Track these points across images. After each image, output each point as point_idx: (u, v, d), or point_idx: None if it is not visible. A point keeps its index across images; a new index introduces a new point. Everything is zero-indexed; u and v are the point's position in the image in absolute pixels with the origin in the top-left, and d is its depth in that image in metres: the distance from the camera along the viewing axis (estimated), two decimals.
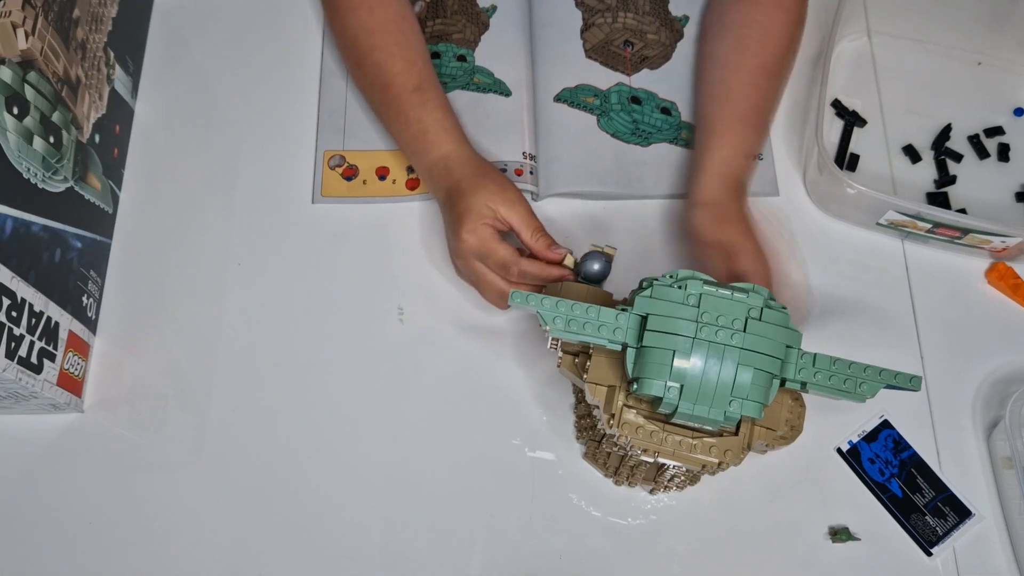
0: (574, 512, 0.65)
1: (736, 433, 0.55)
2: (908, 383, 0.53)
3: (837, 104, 0.80)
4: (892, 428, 0.68)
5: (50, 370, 0.62)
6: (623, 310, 0.53)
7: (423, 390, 0.69)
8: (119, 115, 0.75)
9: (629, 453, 0.57)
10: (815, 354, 0.53)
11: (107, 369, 0.69)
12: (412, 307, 0.71)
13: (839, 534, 0.65)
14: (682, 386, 0.51)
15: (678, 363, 0.51)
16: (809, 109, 0.77)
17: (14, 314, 0.56)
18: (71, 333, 0.65)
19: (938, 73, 0.82)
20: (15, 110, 0.58)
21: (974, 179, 0.78)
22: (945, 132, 0.79)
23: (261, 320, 0.70)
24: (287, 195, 0.75)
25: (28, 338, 0.58)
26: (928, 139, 0.79)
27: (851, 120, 0.79)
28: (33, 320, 0.59)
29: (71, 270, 0.66)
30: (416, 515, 0.65)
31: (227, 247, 0.73)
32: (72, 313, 0.65)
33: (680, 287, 0.53)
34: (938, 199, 0.76)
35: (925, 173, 0.78)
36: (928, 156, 0.79)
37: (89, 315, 0.69)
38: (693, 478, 0.64)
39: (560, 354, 0.58)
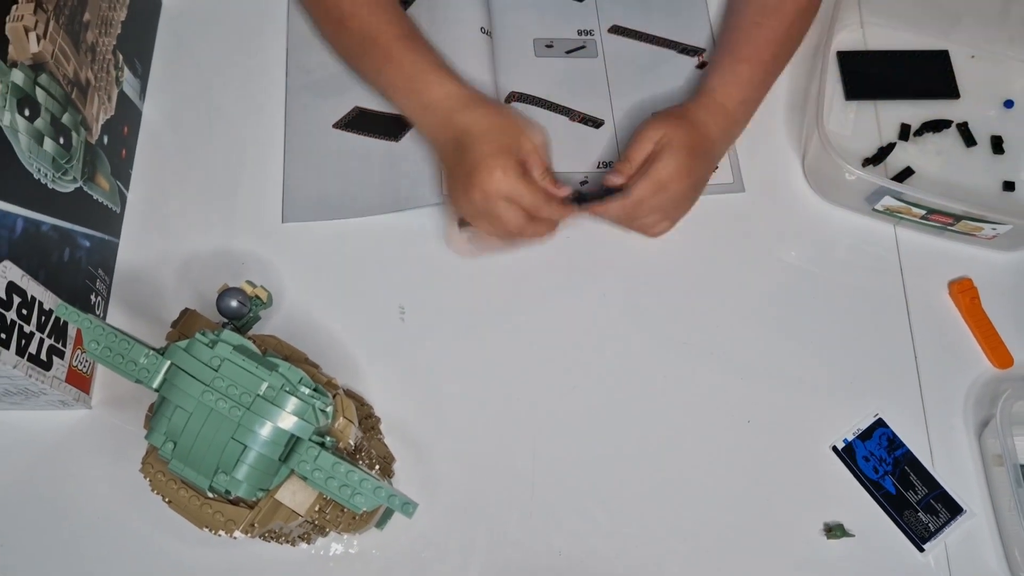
0: (574, 509, 0.66)
1: (252, 507, 0.54)
2: (401, 507, 0.50)
3: None
4: (886, 426, 0.69)
5: (59, 367, 0.62)
6: (158, 352, 0.53)
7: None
8: (127, 117, 0.76)
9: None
10: (320, 452, 0.51)
11: None
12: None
13: (834, 530, 0.66)
14: (175, 444, 0.51)
15: (175, 420, 0.51)
16: (808, 97, 0.78)
17: (24, 312, 0.57)
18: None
19: None
20: (26, 112, 0.59)
21: (963, 169, 0.78)
22: (938, 123, 0.80)
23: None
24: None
25: (38, 335, 0.59)
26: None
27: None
28: (43, 318, 0.60)
29: (79, 269, 0.67)
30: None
31: (232, 247, 0.74)
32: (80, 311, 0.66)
33: (211, 346, 0.52)
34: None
35: (915, 162, 0.79)
36: (918, 142, 0.80)
37: (97, 313, 0.69)
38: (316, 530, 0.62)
39: None
